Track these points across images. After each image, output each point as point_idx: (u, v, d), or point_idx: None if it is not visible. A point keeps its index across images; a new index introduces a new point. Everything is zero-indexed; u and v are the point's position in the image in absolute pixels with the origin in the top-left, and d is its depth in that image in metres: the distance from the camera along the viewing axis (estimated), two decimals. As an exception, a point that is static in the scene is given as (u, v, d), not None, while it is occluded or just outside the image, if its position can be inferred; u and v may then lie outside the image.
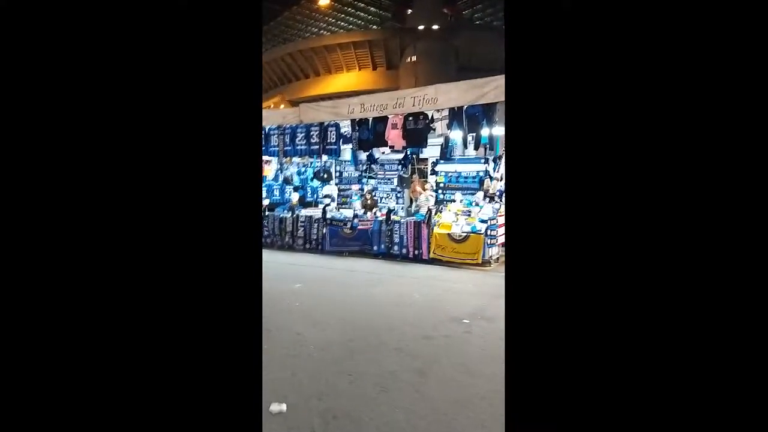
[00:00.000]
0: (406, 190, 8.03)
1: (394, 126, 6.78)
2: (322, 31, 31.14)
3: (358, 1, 29.37)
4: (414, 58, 27.12)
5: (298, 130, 7.80)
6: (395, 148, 7.24)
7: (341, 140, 7.54)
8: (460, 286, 5.33)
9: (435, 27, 27.19)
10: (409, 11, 28.66)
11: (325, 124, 7.54)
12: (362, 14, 30.50)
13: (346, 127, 7.50)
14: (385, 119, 6.88)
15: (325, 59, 30.03)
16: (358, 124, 7.21)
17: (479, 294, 4.92)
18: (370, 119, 7.04)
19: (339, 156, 7.90)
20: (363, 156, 8.14)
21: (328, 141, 7.50)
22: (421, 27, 27.39)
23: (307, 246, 7.91)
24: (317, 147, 7.67)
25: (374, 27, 30.55)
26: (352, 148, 7.82)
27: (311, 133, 7.68)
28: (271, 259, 7.36)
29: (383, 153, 7.94)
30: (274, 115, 8.62)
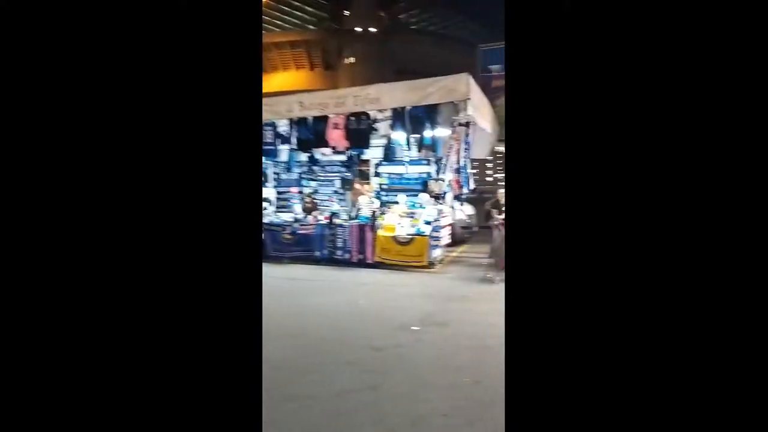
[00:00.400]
0: (348, 193, 7.78)
1: (336, 126, 6.52)
2: (256, 29, 30.02)
3: (295, 0, 28.74)
4: (352, 60, 27.05)
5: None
6: (337, 149, 6.97)
7: (279, 140, 7.11)
8: (407, 290, 5.19)
9: (372, 30, 27.35)
10: (346, 13, 28.58)
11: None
12: (299, 14, 29.99)
13: (284, 127, 7.10)
14: (325, 119, 6.58)
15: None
16: (297, 123, 6.84)
17: (427, 297, 4.81)
18: (310, 119, 6.71)
19: (276, 157, 7.45)
20: (302, 157, 7.76)
21: (265, 141, 7.02)
22: (358, 29, 27.40)
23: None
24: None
25: (311, 27, 30.10)
26: (290, 149, 7.41)
27: (246, 132, 7.16)
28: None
29: (323, 154, 7.63)
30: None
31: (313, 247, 6.73)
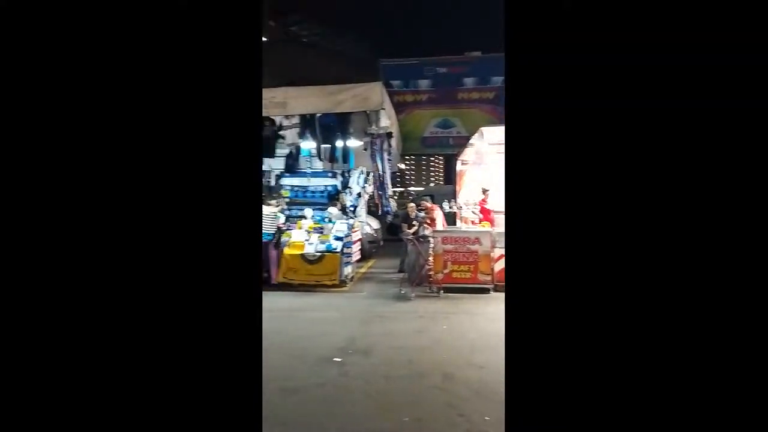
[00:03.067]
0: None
1: (234, 131, 5.76)
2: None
3: None
4: (242, 67, 25.74)
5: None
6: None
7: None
8: (320, 314, 4.70)
9: (262, 39, 26.57)
10: (236, 18, 27.23)
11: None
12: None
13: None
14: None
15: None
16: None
17: (344, 322, 4.39)
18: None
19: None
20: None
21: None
22: (249, 36, 26.27)
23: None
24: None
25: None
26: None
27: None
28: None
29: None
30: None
31: (205, 270, 5.80)
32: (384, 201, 6.50)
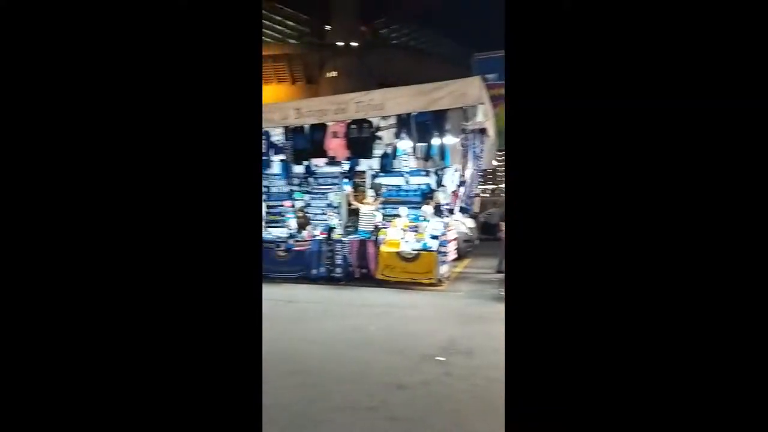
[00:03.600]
0: (342, 205, 7.29)
1: (335, 134, 6.06)
2: (237, 43, 30.00)
3: (275, 14, 28.68)
4: (334, 74, 26.98)
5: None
6: (336, 159, 6.49)
7: (272, 150, 6.60)
8: (418, 312, 4.72)
9: (353, 44, 27.44)
10: (327, 27, 28.61)
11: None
12: (279, 27, 29.92)
13: (278, 136, 6.60)
14: (323, 126, 6.12)
15: (241, 71, 28.72)
16: (293, 132, 6.35)
17: (443, 321, 4.35)
18: (307, 127, 6.22)
19: (269, 168, 6.91)
20: (297, 169, 7.23)
21: (256, 151, 6.51)
22: (339, 43, 27.42)
23: (231, 273, 6.79)
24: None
25: (292, 41, 30.02)
26: (282, 160, 6.89)
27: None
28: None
29: (316, 165, 7.15)
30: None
31: (310, 265, 6.20)
32: (465, 199, 6.31)
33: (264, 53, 28.73)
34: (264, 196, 8.52)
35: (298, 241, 6.49)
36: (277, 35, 30.47)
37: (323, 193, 7.50)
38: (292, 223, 7.12)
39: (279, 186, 8.53)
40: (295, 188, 8.20)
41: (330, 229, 6.42)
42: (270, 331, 3.92)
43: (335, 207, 7.36)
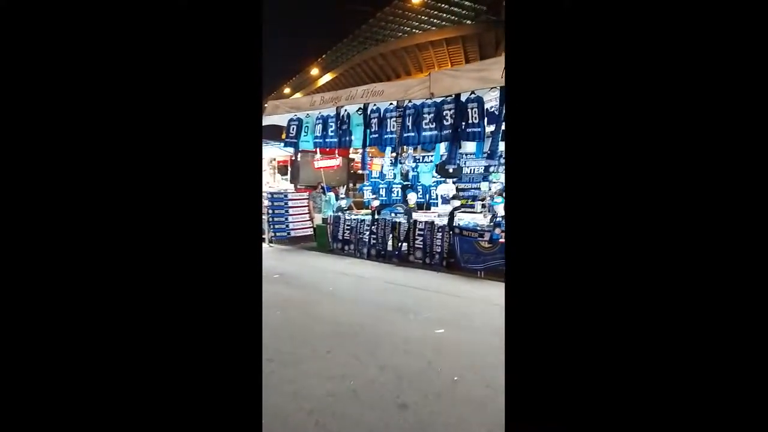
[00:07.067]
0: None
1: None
2: (413, 30, 30.67)
3: (452, -4, 28.05)
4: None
5: (424, 109, 5.95)
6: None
7: (485, 119, 5.54)
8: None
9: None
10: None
11: (464, 98, 5.58)
12: (456, 9, 29.19)
13: (492, 101, 5.51)
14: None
15: (416, 57, 29.48)
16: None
17: None
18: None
19: (483, 140, 5.89)
20: (503, 146, 6.06)
21: (470, 121, 5.51)
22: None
23: (427, 261, 6.08)
24: (449, 131, 5.72)
25: (467, 22, 28.95)
26: (489, 133, 5.78)
27: (443, 111, 5.75)
28: (379, 276, 5.61)
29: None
30: (394, 88, 6.53)
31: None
32: None
33: (437, 38, 28.52)
34: (454, 178, 7.66)
35: (503, 230, 5.34)
36: (452, 17, 29.80)
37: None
38: (500, 209, 6.01)
39: (472, 167, 7.54)
40: (493, 168, 7.08)
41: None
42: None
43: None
